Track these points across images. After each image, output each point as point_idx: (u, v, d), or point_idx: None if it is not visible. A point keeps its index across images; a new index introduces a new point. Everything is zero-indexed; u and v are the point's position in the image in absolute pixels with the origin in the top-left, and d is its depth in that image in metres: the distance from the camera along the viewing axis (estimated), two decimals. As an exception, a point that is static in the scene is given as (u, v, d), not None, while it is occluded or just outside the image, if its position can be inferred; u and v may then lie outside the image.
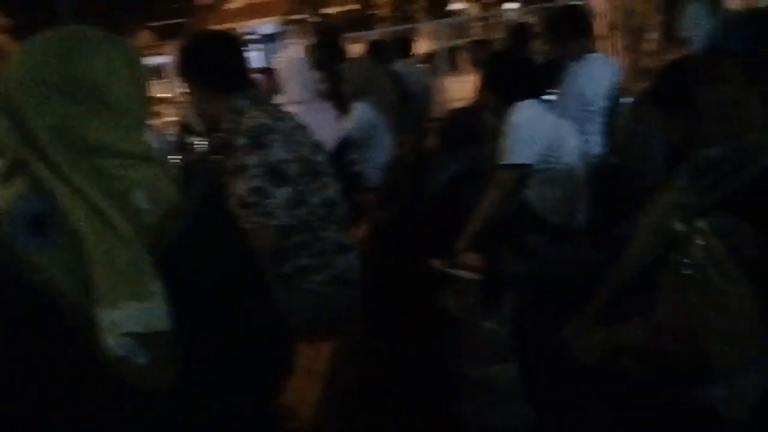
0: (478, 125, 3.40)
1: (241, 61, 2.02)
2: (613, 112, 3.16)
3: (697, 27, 2.96)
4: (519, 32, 5.05)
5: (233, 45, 2.06)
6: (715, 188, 1.29)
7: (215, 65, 1.93)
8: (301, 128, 2.02)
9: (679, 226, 0.76)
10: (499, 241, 2.68)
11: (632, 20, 6.07)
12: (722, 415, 1.23)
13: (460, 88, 6.53)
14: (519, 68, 2.83)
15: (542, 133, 2.71)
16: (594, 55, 3.30)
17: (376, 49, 5.42)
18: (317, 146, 2.07)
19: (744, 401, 0.69)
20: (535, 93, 2.80)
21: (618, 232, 2.74)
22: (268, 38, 8.58)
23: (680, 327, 0.77)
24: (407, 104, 4.78)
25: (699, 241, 0.72)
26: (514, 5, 11.87)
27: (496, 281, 2.69)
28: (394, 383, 2.50)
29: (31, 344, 0.89)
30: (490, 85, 2.88)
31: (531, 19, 7.32)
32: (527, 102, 2.74)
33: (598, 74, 3.22)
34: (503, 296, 2.74)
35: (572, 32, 3.31)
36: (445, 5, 14.63)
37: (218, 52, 1.95)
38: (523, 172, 2.71)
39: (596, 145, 3.06)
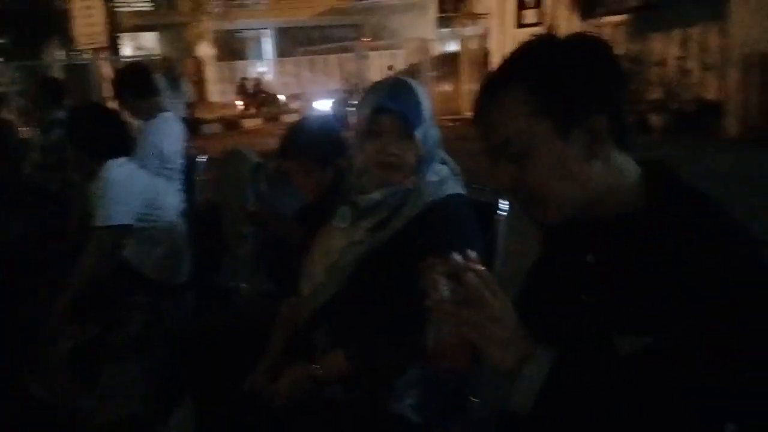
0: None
1: None
2: (190, 168, 3.29)
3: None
4: (51, 85, 4.74)
5: None
6: (384, 226, 1.56)
7: None
8: None
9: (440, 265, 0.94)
10: (102, 305, 2.51)
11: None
12: (414, 421, 1.50)
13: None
14: (108, 124, 2.71)
15: (138, 191, 2.66)
16: (166, 114, 3.37)
17: None
18: None
19: (526, 393, 0.90)
20: (126, 150, 2.72)
21: (220, 282, 2.89)
22: None
23: (460, 344, 0.96)
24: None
25: (471, 272, 0.92)
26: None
27: (97, 350, 2.52)
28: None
29: None
30: (75, 143, 2.67)
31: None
32: (120, 160, 2.65)
33: (172, 132, 3.32)
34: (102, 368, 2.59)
35: (141, 91, 3.33)
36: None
37: None
38: (122, 231, 2.61)
39: (182, 201, 3.13)
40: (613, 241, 0.99)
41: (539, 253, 1.18)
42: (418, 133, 1.57)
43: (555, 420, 0.91)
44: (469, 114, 12.83)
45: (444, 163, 1.65)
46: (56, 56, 14.88)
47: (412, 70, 14.00)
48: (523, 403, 0.91)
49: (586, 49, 1.00)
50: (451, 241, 1.50)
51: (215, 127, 14.97)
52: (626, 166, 1.01)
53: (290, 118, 15.67)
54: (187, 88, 9.52)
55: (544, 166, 0.98)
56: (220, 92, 20.89)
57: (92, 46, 10.40)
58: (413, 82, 1.62)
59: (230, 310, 2.58)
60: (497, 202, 1.71)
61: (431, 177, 1.59)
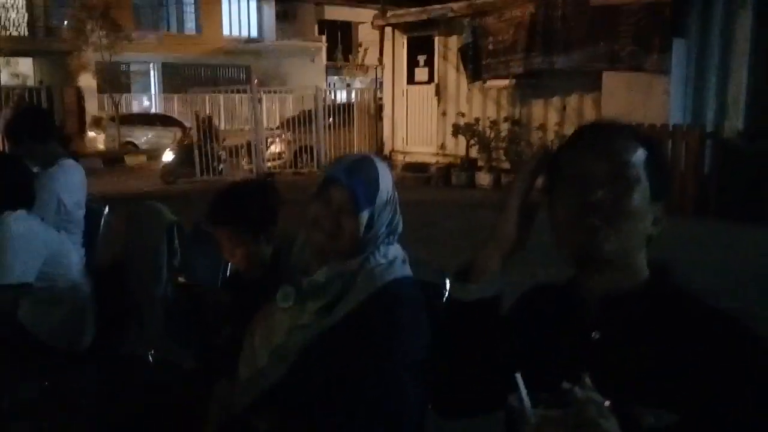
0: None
1: None
2: (90, 220, 3.10)
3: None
4: None
5: None
6: (331, 308, 1.54)
7: None
8: None
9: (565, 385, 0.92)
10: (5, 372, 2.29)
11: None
12: None
13: None
14: (7, 172, 2.52)
15: (39, 246, 2.47)
16: (68, 160, 3.17)
17: None
18: None
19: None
20: (28, 202, 2.53)
21: (122, 350, 2.72)
22: None
23: None
24: None
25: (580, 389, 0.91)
26: None
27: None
28: None
29: None
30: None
31: None
32: (20, 212, 2.46)
33: (73, 181, 3.12)
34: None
35: (39, 135, 3.12)
36: None
37: None
38: (21, 290, 2.40)
39: (83, 257, 2.92)
40: (619, 317, 1.08)
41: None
42: (365, 214, 1.58)
43: None
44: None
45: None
46: None
47: (305, 117, 14.07)
48: None
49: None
50: (402, 324, 1.53)
51: (95, 163, 14.20)
52: None
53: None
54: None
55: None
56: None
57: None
58: (382, 166, 1.63)
59: (138, 383, 2.43)
60: (443, 283, 1.74)
61: (379, 260, 1.60)
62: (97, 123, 19.54)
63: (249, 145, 13.01)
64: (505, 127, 10.54)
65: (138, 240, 2.75)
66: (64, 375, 2.46)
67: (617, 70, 8.96)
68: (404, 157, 12.32)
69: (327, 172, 1.63)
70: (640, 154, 1.12)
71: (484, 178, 10.43)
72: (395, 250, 1.65)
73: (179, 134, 14.11)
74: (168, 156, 12.37)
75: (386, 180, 1.63)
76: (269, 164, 13.16)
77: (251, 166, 12.78)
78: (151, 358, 2.59)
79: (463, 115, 11.14)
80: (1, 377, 2.36)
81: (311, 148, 13.07)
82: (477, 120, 10.83)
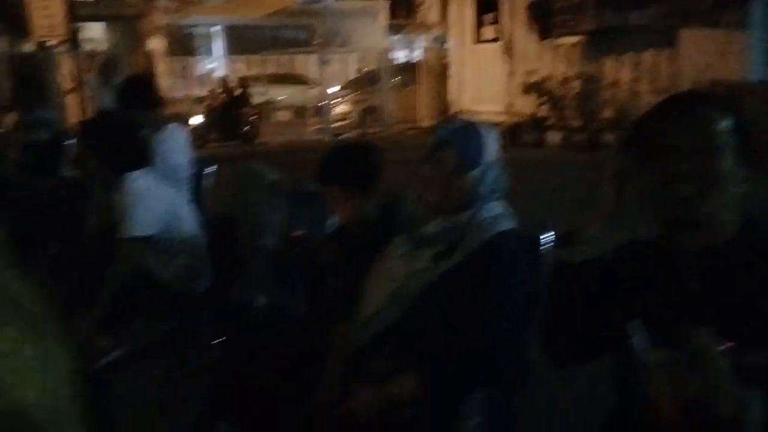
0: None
1: None
2: (198, 178, 3.36)
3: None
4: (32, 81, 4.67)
5: None
6: (446, 256, 1.72)
7: None
8: None
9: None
10: (130, 317, 2.57)
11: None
12: None
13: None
14: (129, 135, 2.75)
15: (158, 202, 2.72)
16: (173, 124, 3.42)
17: None
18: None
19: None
20: (145, 161, 2.77)
21: (233, 297, 2.97)
22: None
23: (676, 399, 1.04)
24: None
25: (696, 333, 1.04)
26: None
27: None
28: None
29: None
30: (98, 154, 2.70)
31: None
32: (140, 172, 2.70)
33: (181, 143, 3.38)
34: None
35: (148, 101, 3.37)
36: None
37: None
38: (145, 242, 2.66)
39: (193, 212, 3.19)
40: (715, 267, 1.19)
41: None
42: (474, 173, 1.74)
43: None
44: (426, 123, 13.10)
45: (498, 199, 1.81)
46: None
47: (370, 77, 14.17)
48: None
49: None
50: (509, 271, 1.69)
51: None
52: None
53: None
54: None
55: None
56: (170, 88, 20.49)
57: (51, 38, 10.05)
58: (488, 128, 1.79)
59: (249, 327, 2.68)
60: (538, 237, 1.89)
61: (487, 214, 1.75)
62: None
63: (316, 107, 13.23)
64: (576, 85, 10.39)
65: (243, 197, 2.98)
66: (185, 318, 2.73)
67: (694, 26, 8.69)
68: (472, 117, 12.31)
69: (438, 134, 1.78)
70: (725, 121, 1.20)
71: (554, 137, 10.36)
72: (500, 206, 1.80)
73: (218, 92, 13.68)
74: (196, 120, 12.31)
75: (493, 141, 1.78)
76: (335, 125, 13.35)
77: (319, 128, 13.01)
78: (259, 304, 2.84)
79: (533, 73, 11.03)
80: (132, 321, 2.64)
81: (377, 109, 13.20)
82: (547, 78, 10.71)
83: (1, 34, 11.94)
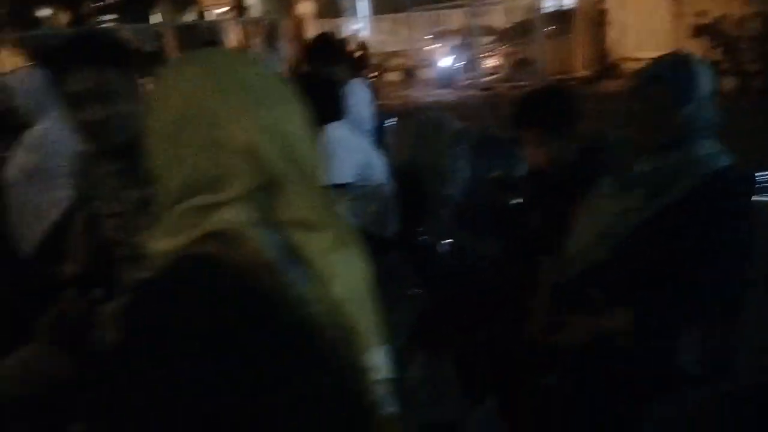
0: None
1: None
2: (380, 131, 3.54)
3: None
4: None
5: None
6: (659, 195, 1.73)
7: None
8: None
9: None
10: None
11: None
12: (694, 377, 1.69)
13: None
14: (327, 89, 2.96)
15: (354, 152, 2.92)
16: (357, 80, 3.62)
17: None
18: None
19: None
20: (341, 114, 2.98)
21: (420, 239, 3.14)
22: None
23: None
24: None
25: None
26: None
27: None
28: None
29: (291, 379, 0.81)
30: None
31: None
32: (337, 123, 2.91)
33: (364, 97, 3.56)
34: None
35: (334, 58, 3.58)
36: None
37: None
38: (343, 188, 2.88)
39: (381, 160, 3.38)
40: None
41: None
42: (687, 110, 1.71)
43: None
44: (583, 74, 12.59)
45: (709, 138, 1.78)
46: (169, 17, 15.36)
47: (520, 28, 13.78)
48: None
49: None
50: (731, 209, 1.68)
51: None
52: None
53: (392, 77, 15.77)
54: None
55: None
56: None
57: (218, 6, 10.77)
58: (701, 63, 1.75)
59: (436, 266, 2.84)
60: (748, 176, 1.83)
61: (702, 150, 1.73)
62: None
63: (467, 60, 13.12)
64: (753, 25, 9.50)
65: (425, 146, 3.11)
66: (378, 257, 2.94)
67: None
68: (633, 64, 11.66)
69: (649, 70, 1.78)
70: None
71: (728, 83, 9.58)
72: (714, 144, 1.77)
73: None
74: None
75: (705, 76, 1.74)
76: (486, 79, 13.20)
77: (470, 82, 12.93)
78: (444, 247, 2.99)
79: (704, 14, 10.20)
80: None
81: (529, 61, 12.86)
82: (720, 19, 9.88)
83: (170, 5, 12.91)
